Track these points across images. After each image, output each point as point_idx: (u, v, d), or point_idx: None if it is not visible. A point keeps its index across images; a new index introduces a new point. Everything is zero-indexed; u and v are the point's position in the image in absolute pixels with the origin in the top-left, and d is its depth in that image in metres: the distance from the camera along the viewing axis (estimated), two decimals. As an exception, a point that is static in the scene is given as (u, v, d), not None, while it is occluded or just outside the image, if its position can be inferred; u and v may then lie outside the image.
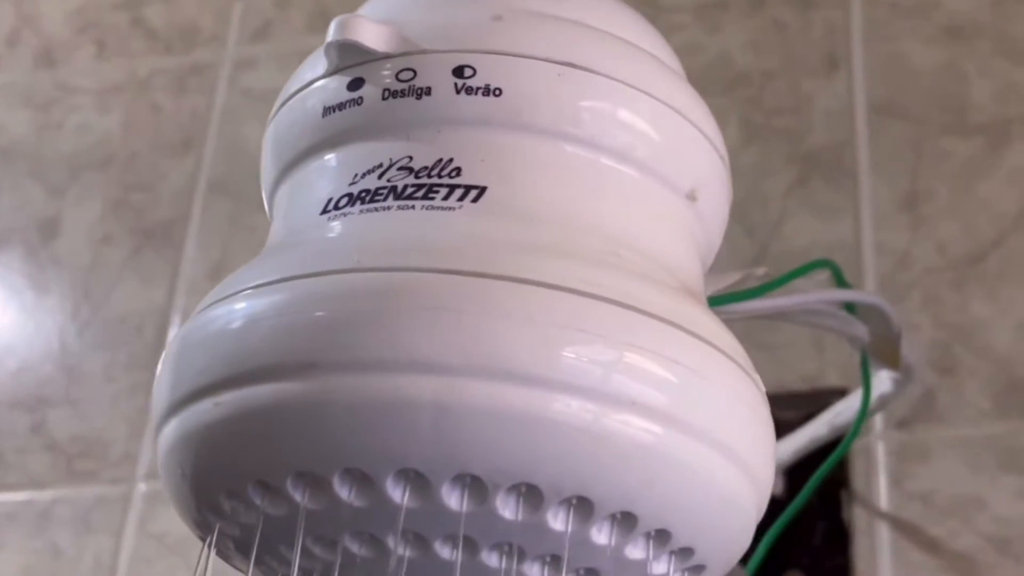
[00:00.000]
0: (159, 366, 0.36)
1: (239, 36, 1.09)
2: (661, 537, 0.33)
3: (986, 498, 0.76)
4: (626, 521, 0.32)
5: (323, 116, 0.36)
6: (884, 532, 0.78)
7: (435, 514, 0.31)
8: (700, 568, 0.34)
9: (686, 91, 0.37)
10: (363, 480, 0.31)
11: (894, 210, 0.88)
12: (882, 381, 0.59)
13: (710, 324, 0.34)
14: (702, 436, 0.32)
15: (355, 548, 0.33)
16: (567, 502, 0.31)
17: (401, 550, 0.33)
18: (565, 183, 0.34)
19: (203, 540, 0.36)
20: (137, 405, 0.96)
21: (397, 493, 0.31)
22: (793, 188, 0.92)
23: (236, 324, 0.32)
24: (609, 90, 0.35)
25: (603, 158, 0.35)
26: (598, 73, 0.35)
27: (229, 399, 0.32)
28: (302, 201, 0.36)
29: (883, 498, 0.79)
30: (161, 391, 0.35)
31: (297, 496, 0.32)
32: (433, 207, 0.33)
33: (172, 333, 0.99)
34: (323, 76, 0.37)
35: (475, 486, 0.31)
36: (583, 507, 0.32)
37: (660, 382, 0.31)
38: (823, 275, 0.53)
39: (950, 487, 0.77)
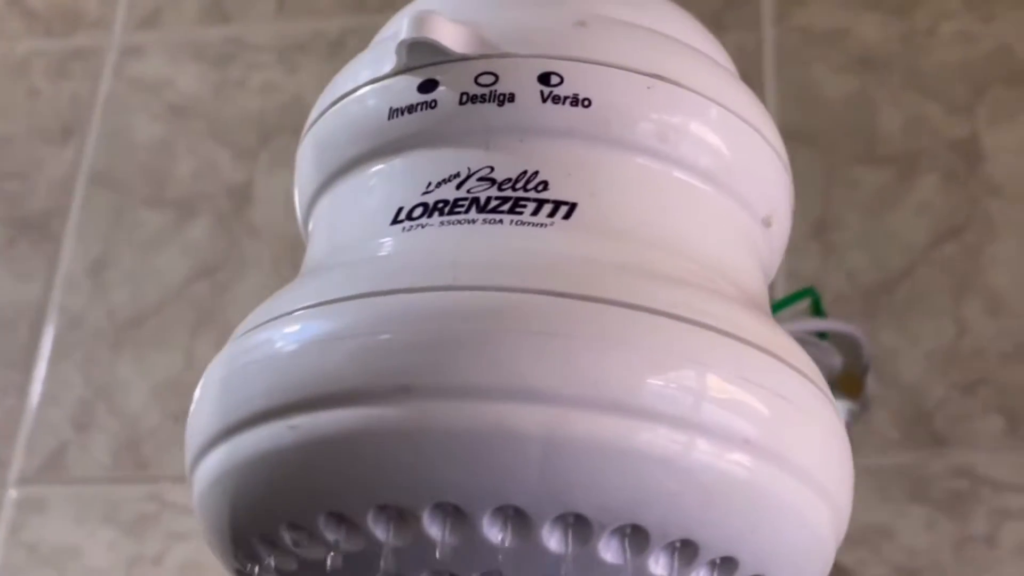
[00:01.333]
0: (197, 393, 0.33)
1: (126, 22, 1.04)
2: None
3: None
4: (725, 566, 0.30)
5: (388, 118, 0.33)
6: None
7: (531, 555, 0.29)
8: None
9: (759, 107, 0.36)
10: (456, 516, 0.29)
11: (804, 238, 0.88)
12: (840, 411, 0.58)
13: (800, 352, 0.32)
14: (802, 475, 0.30)
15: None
16: (671, 545, 0.30)
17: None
18: (653, 201, 0.33)
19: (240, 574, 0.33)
20: (6, 406, 0.91)
21: (494, 532, 0.29)
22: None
23: (312, 343, 0.30)
24: (697, 106, 0.33)
25: (688, 176, 0.33)
26: (686, 88, 0.33)
27: (307, 423, 0.29)
28: (361, 209, 0.33)
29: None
30: (205, 418, 0.32)
31: (379, 531, 0.29)
32: (523, 223, 0.31)
33: (48, 331, 0.94)
34: (388, 76, 0.34)
35: (579, 526, 0.29)
36: (687, 551, 0.30)
37: (766, 419, 0.30)
38: (804, 303, 0.52)
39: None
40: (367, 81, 0.34)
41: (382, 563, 0.29)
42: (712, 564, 0.30)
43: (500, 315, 0.28)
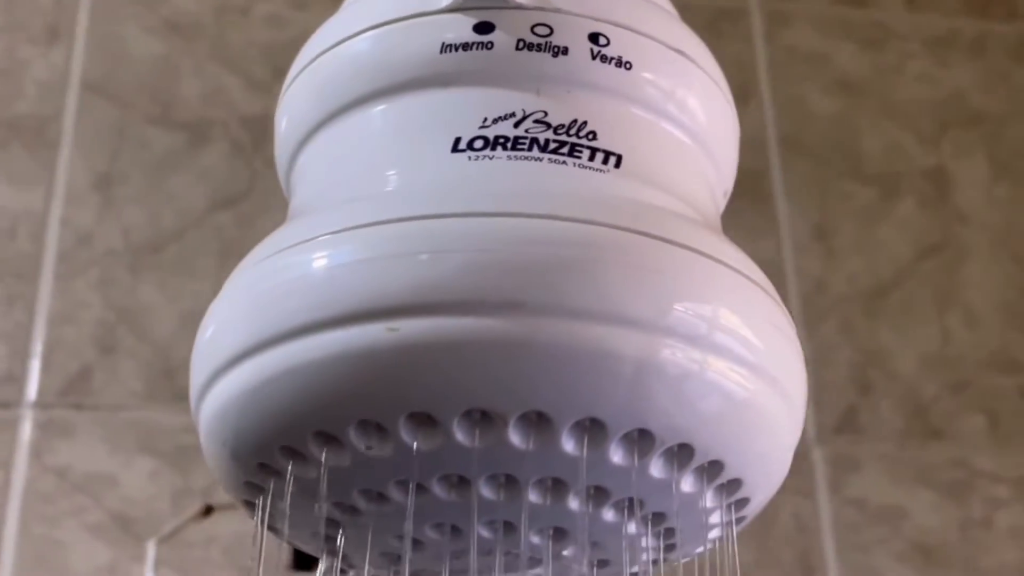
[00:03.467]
0: (217, 311, 0.34)
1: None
2: (713, 469, 0.34)
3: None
4: (712, 469, 0.34)
5: (440, 52, 0.35)
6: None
7: (595, 465, 0.32)
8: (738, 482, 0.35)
9: (720, 71, 0.40)
10: (540, 425, 0.32)
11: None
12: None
13: (759, 271, 0.36)
14: (783, 391, 0.34)
15: (488, 493, 0.33)
16: (670, 450, 0.33)
17: (532, 497, 0.33)
18: (668, 156, 0.36)
19: (260, 489, 0.34)
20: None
21: (571, 443, 0.32)
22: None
23: (414, 253, 0.31)
24: (702, 81, 0.38)
25: (685, 136, 0.37)
26: (697, 64, 0.38)
27: (411, 327, 0.31)
28: (411, 134, 0.35)
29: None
30: (241, 326, 0.33)
31: (461, 435, 0.32)
32: (584, 166, 0.34)
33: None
34: (439, 11, 0.36)
35: (642, 440, 0.32)
36: (684, 453, 0.33)
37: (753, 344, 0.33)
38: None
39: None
40: (416, 13, 0.36)
41: (473, 466, 0.32)
42: (701, 468, 0.34)
43: (603, 247, 0.31)
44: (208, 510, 0.74)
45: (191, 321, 0.87)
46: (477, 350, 0.31)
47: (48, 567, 0.81)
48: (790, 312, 0.36)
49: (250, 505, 0.36)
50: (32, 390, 0.86)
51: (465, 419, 0.32)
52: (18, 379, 0.86)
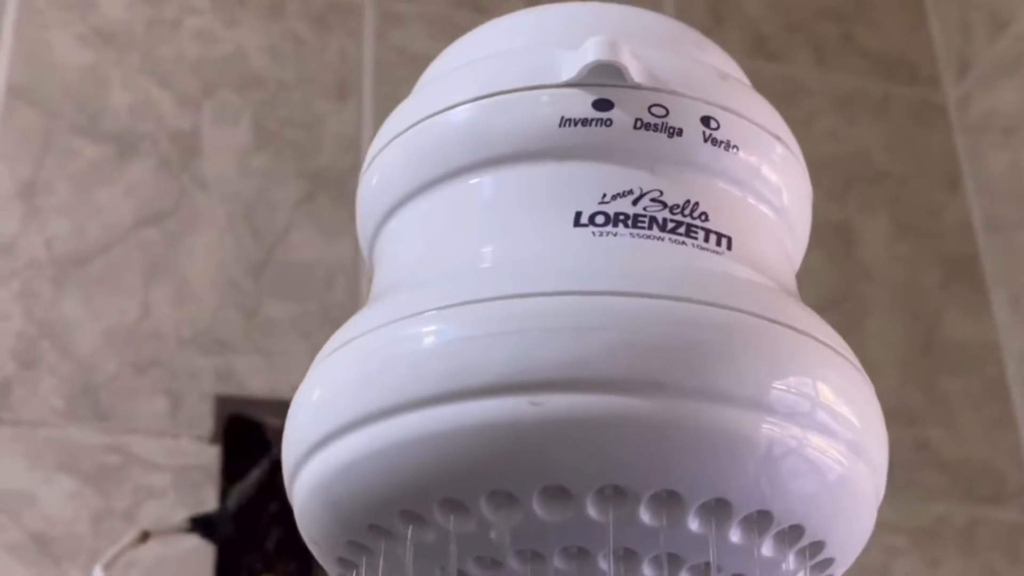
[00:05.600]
0: (316, 381, 0.35)
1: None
2: (814, 549, 0.35)
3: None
4: (794, 534, 0.35)
5: (560, 126, 0.36)
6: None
7: (717, 546, 0.33)
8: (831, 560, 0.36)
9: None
10: (671, 503, 0.32)
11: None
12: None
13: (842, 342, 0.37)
14: (872, 464, 0.36)
15: (605, 565, 0.34)
16: (784, 531, 0.34)
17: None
18: (764, 237, 0.38)
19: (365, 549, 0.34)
20: None
21: (696, 523, 0.33)
22: (301, 203, 0.95)
23: (558, 329, 0.32)
24: (789, 161, 0.39)
25: (775, 216, 0.38)
26: (789, 149, 0.39)
27: (555, 402, 0.31)
28: (528, 206, 0.36)
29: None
30: (347, 398, 0.34)
31: (593, 511, 0.32)
32: (702, 248, 0.35)
33: None
34: (559, 85, 0.36)
35: (760, 520, 0.33)
36: (794, 534, 0.34)
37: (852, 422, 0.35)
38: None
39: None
40: (535, 85, 0.36)
41: (599, 539, 0.32)
42: (804, 549, 0.35)
43: (741, 333, 0.33)
44: (145, 536, 0.73)
45: (115, 338, 0.86)
46: (619, 428, 0.32)
47: (-38, 587, 0.79)
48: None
49: (344, 563, 0.36)
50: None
51: (598, 495, 0.32)
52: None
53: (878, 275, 1.05)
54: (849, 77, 1.13)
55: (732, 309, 0.33)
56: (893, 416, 0.97)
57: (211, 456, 0.85)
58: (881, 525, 0.88)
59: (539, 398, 0.32)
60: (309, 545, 0.37)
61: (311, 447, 0.34)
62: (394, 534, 0.34)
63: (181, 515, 0.81)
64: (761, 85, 0.36)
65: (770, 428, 0.32)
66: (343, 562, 0.36)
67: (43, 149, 0.92)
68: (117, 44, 0.96)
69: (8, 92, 0.93)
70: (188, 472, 0.85)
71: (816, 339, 0.34)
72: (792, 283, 0.39)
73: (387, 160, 0.39)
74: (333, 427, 0.34)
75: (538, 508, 0.32)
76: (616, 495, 0.32)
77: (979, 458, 1.01)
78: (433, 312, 0.33)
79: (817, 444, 0.33)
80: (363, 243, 0.40)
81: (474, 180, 0.37)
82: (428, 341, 0.33)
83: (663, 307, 0.33)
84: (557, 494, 0.32)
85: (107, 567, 0.65)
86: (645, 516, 0.32)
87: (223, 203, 0.92)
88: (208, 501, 0.84)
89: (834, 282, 1.04)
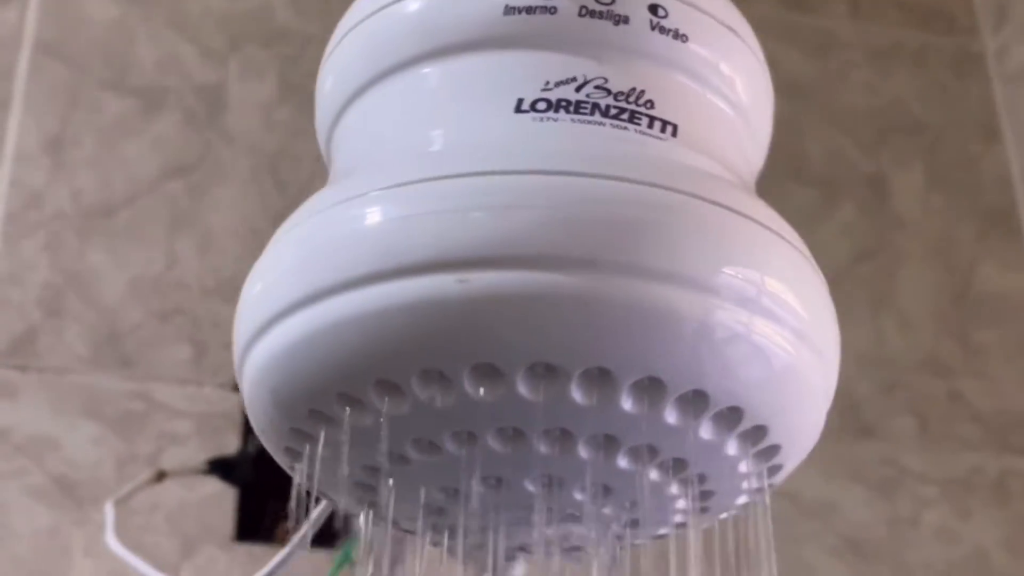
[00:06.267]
0: (269, 258, 0.34)
1: None
2: (758, 433, 0.35)
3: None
4: (732, 415, 0.34)
5: (504, 14, 0.36)
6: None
7: (653, 427, 0.33)
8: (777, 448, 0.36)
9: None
10: (602, 381, 0.32)
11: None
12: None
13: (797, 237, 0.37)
14: (820, 353, 0.35)
15: (542, 447, 0.34)
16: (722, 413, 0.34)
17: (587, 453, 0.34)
18: (716, 128, 0.37)
19: (308, 437, 0.34)
20: None
21: (630, 402, 0.33)
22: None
23: (486, 207, 0.32)
24: (749, 58, 0.39)
25: (730, 110, 0.38)
26: (744, 42, 0.38)
27: (482, 279, 0.31)
28: (472, 94, 0.36)
29: None
30: (293, 277, 0.33)
31: (524, 388, 0.32)
32: (643, 133, 0.35)
33: None
34: (505, -26, 0.36)
35: (696, 401, 0.33)
36: (733, 416, 0.34)
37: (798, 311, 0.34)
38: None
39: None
40: (478, -24, 0.36)
41: (532, 419, 0.32)
42: (745, 433, 0.35)
43: (678, 212, 0.32)
44: (161, 475, 0.74)
45: (140, 288, 0.87)
46: (548, 305, 0.31)
47: (-13, 528, 0.80)
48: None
49: (290, 453, 0.36)
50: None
51: (529, 372, 0.32)
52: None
53: (912, 227, 1.04)
54: (885, 28, 1.11)
55: (667, 189, 0.33)
56: (926, 367, 0.96)
57: (233, 403, 0.86)
58: (911, 475, 0.87)
59: (466, 275, 0.31)
60: (259, 436, 0.37)
61: (253, 335, 0.35)
62: (334, 419, 0.34)
63: (202, 460, 0.82)
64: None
65: (712, 310, 0.32)
66: (290, 451, 0.36)
67: (70, 103, 0.93)
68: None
69: (36, 47, 0.94)
70: (211, 419, 0.86)
71: (766, 227, 0.34)
72: (751, 182, 0.38)
73: (342, 54, 0.39)
74: (272, 312, 0.34)
75: (469, 387, 0.32)
76: (547, 373, 0.32)
77: (1013, 409, 1.00)
78: (367, 195, 0.33)
79: (762, 329, 0.33)
80: (321, 143, 0.41)
81: (425, 70, 0.37)
82: (362, 222, 0.33)
83: (594, 185, 0.32)
84: (488, 372, 0.32)
85: (119, 503, 0.66)
86: (576, 394, 0.32)
87: (248, 156, 0.93)
88: (230, 447, 0.85)
89: (867, 234, 1.02)
